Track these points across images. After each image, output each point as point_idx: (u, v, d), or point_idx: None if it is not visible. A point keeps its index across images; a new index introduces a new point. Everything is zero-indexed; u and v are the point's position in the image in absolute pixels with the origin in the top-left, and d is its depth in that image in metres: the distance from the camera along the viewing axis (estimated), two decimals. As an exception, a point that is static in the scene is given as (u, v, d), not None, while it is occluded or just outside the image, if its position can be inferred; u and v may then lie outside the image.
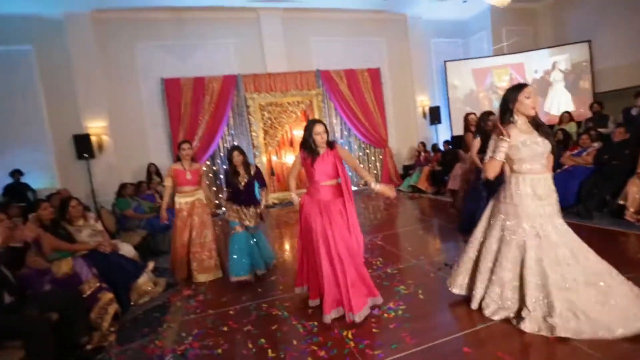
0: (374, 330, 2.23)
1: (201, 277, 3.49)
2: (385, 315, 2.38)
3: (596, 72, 8.60)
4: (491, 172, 2.05)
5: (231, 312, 2.72)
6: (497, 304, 2.12)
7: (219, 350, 2.20)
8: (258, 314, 2.66)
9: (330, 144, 2.54)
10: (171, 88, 7.14)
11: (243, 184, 3.36)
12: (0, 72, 6.14)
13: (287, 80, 7.94)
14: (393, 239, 4.37)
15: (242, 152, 3.44)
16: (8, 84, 6.17)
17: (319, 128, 2.48)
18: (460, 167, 6.41)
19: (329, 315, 2.34)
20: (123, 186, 5.05)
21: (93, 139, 6.46)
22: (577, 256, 1.96)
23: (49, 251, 2.72)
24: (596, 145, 4.57)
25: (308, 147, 2.50)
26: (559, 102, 8.82)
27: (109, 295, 2.63)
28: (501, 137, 1.98)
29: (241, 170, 3.38)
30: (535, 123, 2.06)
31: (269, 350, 2.12)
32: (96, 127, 6.57)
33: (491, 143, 2.07)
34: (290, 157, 8.01)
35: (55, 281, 2.54)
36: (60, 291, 2.43)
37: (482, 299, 2.20)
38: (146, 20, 7.10)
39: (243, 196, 3.37)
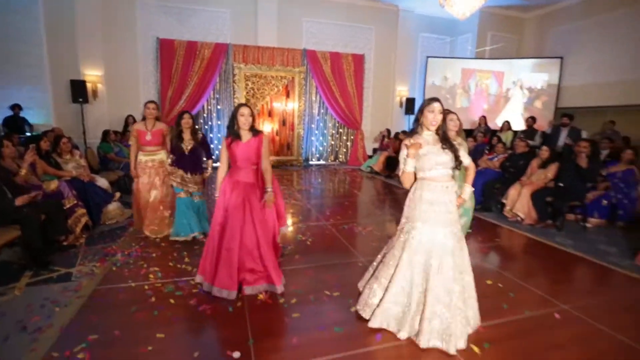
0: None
1: (147, 232, 3.65)
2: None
3: (562, 88, 9.27)
4: (406, 183, 2.17)
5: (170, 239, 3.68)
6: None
7: (153, 255, 3.20)
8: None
9: (255, 132, 2.59)
10: (165, 48, 7.80)
11: (188, 149, 3.51)
12: (6, 13, 6.70)
13: (275, 55, 8.59)
14: (322, 205, 5.34)
15: (192, 117, 3.58)
16: (13, 25, 6.73)
17: (244, 110, 2.53)
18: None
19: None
20: (106, 132, 5.90)
21: (88, 85, 7.22)
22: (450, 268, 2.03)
23: (41, 173, 3.64)
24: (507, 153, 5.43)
25: (232, 129, 2.55)
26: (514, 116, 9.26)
27: (82, 211, 3.60)
28: (407, 145, 2.07)
29: (186, 135, 3.51)
30: (443, 136, 2.11)
31: (178, 265, 3.08)
32: (92, 75, 7.32)
33: (402, 155, 2.14)
34: (267, 127, 8.82)
35: (45, 195, 3.48)
36: (48, 201, 3.36)
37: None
38: (149, -21, 7.63)
39: (187, 161, 3.50)
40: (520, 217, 4.55)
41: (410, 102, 9.97)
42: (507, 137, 6.79)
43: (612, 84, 8.12)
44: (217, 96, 8.44)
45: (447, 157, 2.06)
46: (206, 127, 8.45)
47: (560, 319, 2.37)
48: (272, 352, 1.97)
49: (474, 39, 10.13)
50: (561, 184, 4.34)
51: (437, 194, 2.06)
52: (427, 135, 2.12)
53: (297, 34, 8.97)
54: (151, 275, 2.80)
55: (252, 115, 2.59)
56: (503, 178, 5.13)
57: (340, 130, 9.66)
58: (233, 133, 2.54)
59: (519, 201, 4.55)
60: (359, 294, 2.42)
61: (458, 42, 10.70)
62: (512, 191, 4.66)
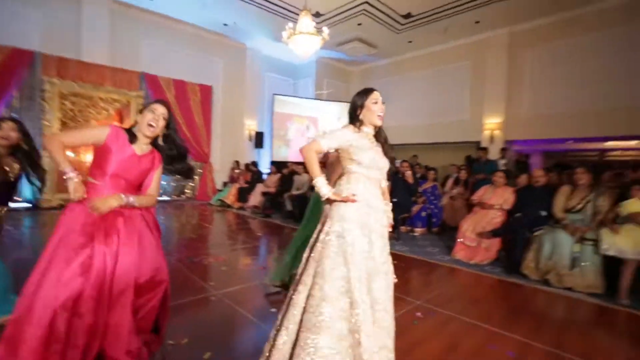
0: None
1: None
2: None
3: (386, 128, 11.30)
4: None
5: None
6: None
7: None
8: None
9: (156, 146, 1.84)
10: None
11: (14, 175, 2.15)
12: None
13: (105, 73, 7.35)
14: (166, 242, 4.61)
15: (18, 124, 2.17)
16: None
17: (161, 109, 1.78)
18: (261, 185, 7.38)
19: None
20: None
21: None
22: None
23: None
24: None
25: (129, 129, 1.78)
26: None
27: None
28: None
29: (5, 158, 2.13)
30: (382, 138, 1.75)
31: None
32: None
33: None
34: (90, 157, 7.27)
35: None
36: None
37: None
38: None
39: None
40: (366, 232, 5.05)
41: (259, 135, 10.20)
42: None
43: (413, 126, 10.48)
44: (15, 115, 6.46)
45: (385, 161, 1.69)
46: None
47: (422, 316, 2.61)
48: None
49: (312, 83, 11.40)
50: (395, 199, 5.08)
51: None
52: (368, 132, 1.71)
53: (134, 54, 8.04)
54: None
55: (166, 119, 1.79)
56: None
57: (188, 162, 8.89)
58: (128, 132, 1.74)
59: (364, 218, 5.07)
60: None
61: (299, 84, 11.84)
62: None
